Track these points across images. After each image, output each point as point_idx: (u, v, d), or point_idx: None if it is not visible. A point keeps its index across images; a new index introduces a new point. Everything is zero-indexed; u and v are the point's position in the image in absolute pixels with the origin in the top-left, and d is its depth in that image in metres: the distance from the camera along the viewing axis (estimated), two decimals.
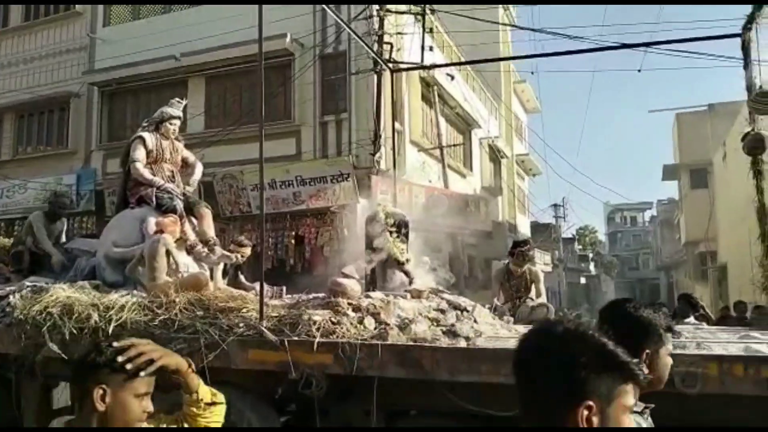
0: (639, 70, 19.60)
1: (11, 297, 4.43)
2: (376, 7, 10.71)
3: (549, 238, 31.90)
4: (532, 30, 21.78)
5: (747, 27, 5.81)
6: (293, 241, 11.18)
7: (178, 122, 5.42)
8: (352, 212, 10.64)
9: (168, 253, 4.53)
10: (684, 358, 2.90)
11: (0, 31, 15.22)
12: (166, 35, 12.17)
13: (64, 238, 6.22)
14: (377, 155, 10.64)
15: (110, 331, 3.73)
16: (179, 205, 5.02)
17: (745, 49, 5.86)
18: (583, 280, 46.76)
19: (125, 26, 13.62)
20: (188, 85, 12.37)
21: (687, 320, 5.99)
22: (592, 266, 53.75)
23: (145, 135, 5.15)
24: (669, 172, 26.92)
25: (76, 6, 14.18)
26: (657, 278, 49.48)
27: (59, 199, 6.18)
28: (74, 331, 3.83)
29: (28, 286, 4.57)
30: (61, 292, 4.18)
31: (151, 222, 4.73)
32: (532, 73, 43.85)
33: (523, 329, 4.57)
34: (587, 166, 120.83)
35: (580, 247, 55.12)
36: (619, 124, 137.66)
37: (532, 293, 5.74)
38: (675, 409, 3.03)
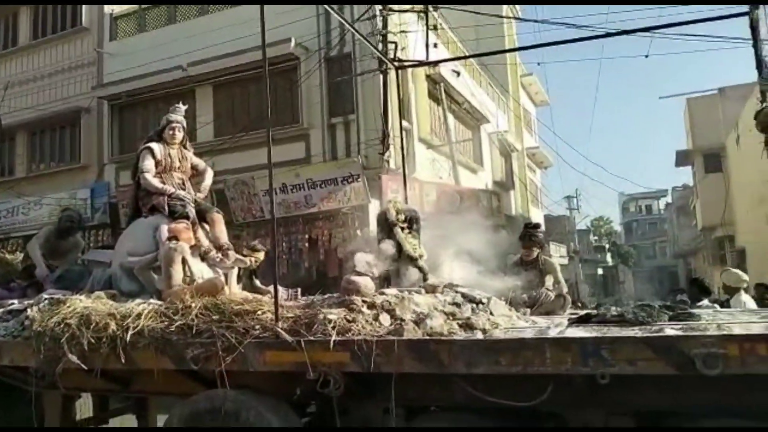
0: (646, 56, 19.45)
1: (29, 310, 4.44)
2: (378, 6, 10.71)
3: (564, 230, 31.74)
4: (536, 21, 21.65)
5: (755, 5, 5.74)
6: (307, 244, 11.20)
7: (178, 126, 5.35)
8: (363, 213, 10.65)
9: (183, 260, 4.55)
10: (704, 339, 2.86)
11: (9, 51, 15.44)
12: (172, 46, 12.27)
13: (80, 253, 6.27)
14: (386, 154, 10.64)
15: (128, 339, 3.74)
16: (191, 211, 5.03)
17: (754, 27, 5.81)
18: (600, 271, 46.38)
19: (132, 39, 13.75)
20: (196, 94, 12.45)
21: (700, 304, 5.91)
22: (608, 257, 53.29)
23: (153, 145, 5.18)
24: (682, 158, 26.70)
25: (83, 22, 14.35)
26: (675, 266, 48.94)
27: (64, 214, 6.25)
28: (92, 341, 3.84)
29: (45, 299, 4.59)
30: (78, 303, 4.20)
31: (164, 229, 4.75)
32: (539, 64, 43.42)
33: (540, 320, 4.53)
34: (600, 156, 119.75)
35: (596, 238, 54.73)
36: (631, 112, 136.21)
37: (548, 284, 5.65)
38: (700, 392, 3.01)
